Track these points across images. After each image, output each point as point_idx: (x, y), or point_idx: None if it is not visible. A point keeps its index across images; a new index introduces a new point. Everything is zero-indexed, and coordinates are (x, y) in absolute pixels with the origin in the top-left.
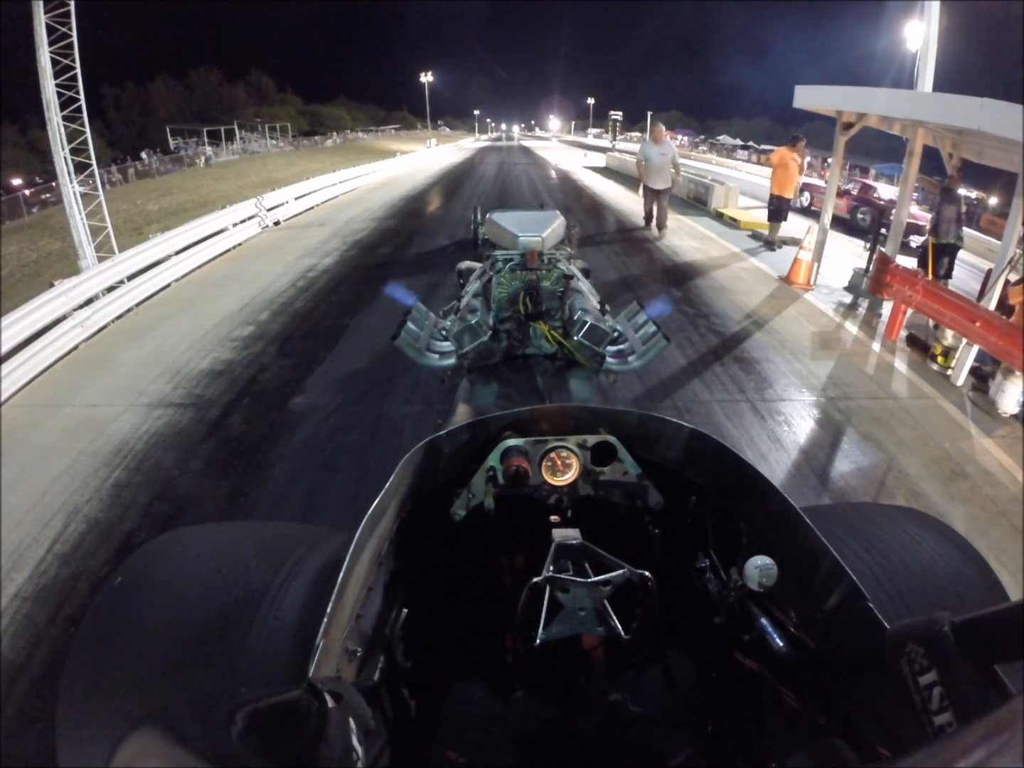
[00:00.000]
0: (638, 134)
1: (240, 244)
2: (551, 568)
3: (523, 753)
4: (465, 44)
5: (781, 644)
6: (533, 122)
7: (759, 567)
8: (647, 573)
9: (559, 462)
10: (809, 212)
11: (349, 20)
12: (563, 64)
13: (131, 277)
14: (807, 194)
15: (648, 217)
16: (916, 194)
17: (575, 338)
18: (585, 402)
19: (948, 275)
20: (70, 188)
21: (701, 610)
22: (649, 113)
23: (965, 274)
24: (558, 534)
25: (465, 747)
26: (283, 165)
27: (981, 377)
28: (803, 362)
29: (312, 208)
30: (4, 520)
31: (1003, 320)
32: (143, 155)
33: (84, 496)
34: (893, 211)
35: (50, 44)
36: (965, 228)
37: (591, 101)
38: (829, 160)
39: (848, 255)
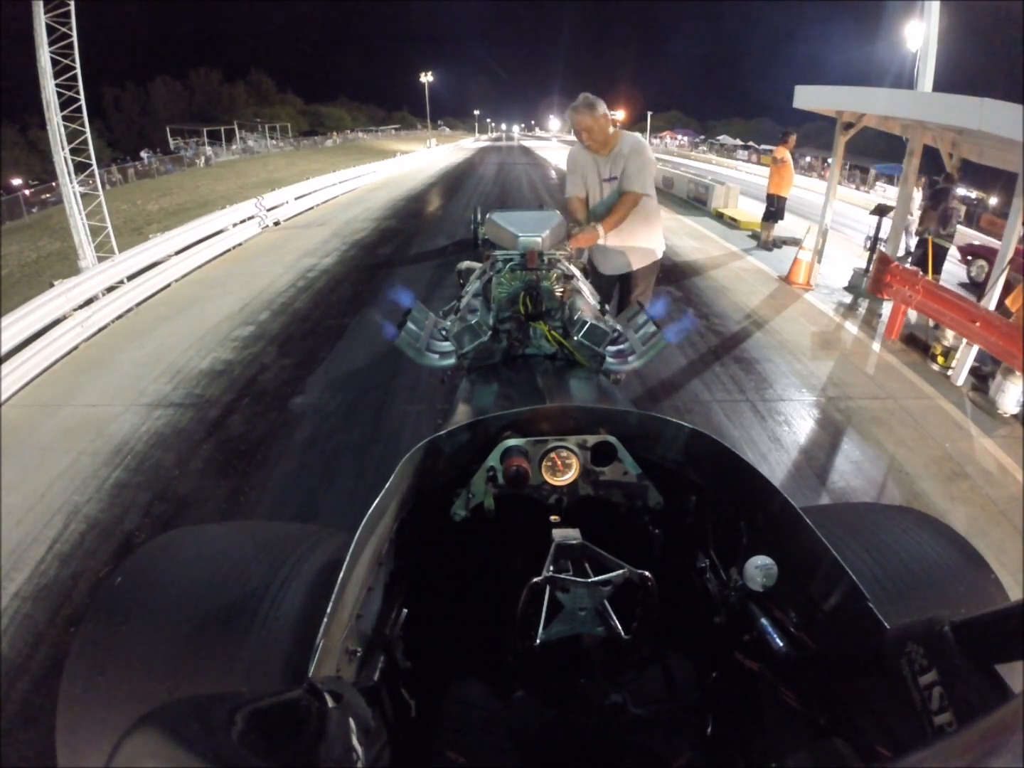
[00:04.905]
0: (637, 134)
1: (240, 244)
2: (551, 568)
3: (523, 753)
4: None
5: (781, 644)
6: (533, 122)
7: (759, 567)
8: (647, 573)
9: (559, 462)
10: (974, 287)
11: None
12: (563, 64)
13: (131, 277)
14: (981, 262)
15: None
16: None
17: (575, 338)
18: (585, 402)
19: (936, 271)
20: (70, 188)
21: (701, 610)
22: (649, 113)
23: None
24: (558, 534)
25: (465, 747)
26: (283, 165)
27: (981, 377)
28: (803, 362)
29: (312, 208)
30: (4, 520)
31: (1003, 320)
32: (143, 155)
33: (84, 496)
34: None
35: (50, 44)
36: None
37: None
38: (829, 160)
39: (848, 255)
